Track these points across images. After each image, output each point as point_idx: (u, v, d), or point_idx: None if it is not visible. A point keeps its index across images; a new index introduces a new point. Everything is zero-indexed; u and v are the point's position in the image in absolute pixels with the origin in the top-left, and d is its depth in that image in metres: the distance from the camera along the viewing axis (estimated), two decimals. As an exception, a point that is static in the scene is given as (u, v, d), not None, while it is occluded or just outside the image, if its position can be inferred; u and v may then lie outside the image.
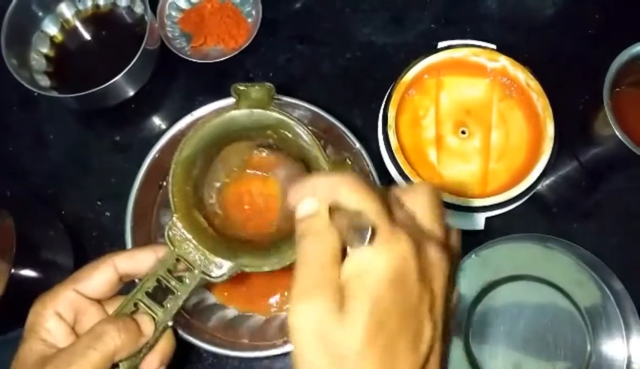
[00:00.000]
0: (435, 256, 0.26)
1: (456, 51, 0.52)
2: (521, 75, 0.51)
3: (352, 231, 0.25)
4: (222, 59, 0.54)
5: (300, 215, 0.27)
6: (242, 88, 0.39)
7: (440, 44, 0.53)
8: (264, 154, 0.43)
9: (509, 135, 0.52)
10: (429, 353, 0.25)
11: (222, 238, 0.39)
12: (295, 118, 0.39)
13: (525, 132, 0.52)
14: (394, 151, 0.49)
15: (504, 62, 0.51)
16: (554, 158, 0.49)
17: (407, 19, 0.59)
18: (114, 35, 0.57)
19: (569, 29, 0.59)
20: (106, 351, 0.32)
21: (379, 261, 0.25)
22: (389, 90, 0.52)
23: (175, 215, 0.37)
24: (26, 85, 0.50)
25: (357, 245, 0.25)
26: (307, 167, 0.41)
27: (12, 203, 0.39)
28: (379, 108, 0.53)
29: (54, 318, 0.34)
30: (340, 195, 0.26)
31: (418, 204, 0.28)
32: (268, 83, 0.39)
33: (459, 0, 0.60)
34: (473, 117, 0.53)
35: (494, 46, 0.52)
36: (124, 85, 0.52)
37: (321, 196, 0.27)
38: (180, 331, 0.43)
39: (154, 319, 0.35)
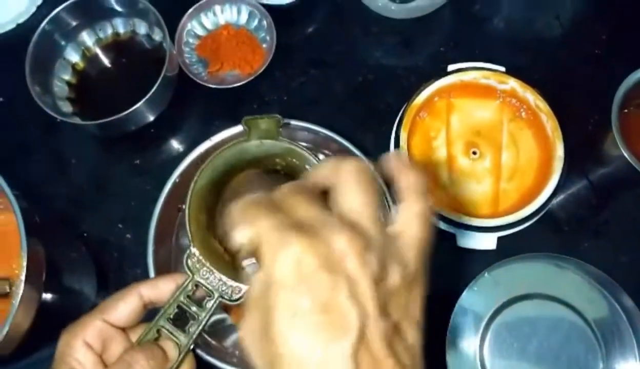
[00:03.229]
0: (340, 240, 0.25)
1: (466, 74, 0.53)
2: (530, 96, 0.52)
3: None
4: (237, 85, 0.56)
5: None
6: (251, 120, 0.41)
7: (450, 67, 0.54)
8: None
9: (519, 156, 0.53)
10: (360, 336, 0.24)
11: (238, 263, 0.40)
12: (302, 146, 0.41)
13: (535, 152, 0.53)
14: (406, 173, 0.50)
15: (513, 84, 0.53)
16: (563, 178, 0.50)
17: (416, 42, 0.61)
18: (134, 62, 0.59)
19: (576, 50, 0.60)
20: None
21: (272, 275, 0.25)
22: (401, 112, 0.54)
23: (192, 243, 0.38)
24: (48, 112, 0.52)
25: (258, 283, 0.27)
26: None
27: (41, 229, 0.41)
28: (391, 129, 0.54)
29: (83, 348, 0.35)
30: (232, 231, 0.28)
31: (343, 189, 0.28)
32: (276, 115, 0.41)
33: (466, 23, 0.61)
34: (483, 138, 0.54)
35: (503, 68, 0.54)
36: (144, 111, 0.54)
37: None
38: (199, 352, 0.44)
39: (177, 343, 0.37)
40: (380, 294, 0.25)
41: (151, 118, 0.56)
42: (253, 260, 0.28)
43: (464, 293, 0.49)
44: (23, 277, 0.37)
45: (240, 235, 0.27)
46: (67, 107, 0.57)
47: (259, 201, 0.28)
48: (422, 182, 0.29)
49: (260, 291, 0.26)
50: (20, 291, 0.37)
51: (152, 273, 0.48)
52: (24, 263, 0.37)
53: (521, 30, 0.61)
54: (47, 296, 0.41)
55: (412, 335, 0.27)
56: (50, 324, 0.38)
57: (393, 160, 0.30)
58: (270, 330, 0.25)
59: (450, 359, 0.47)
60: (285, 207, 0.27)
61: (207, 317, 0.37)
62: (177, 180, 0.48)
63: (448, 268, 0.52)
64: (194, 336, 0.37)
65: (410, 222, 0.28)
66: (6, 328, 0.35)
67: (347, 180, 0.28)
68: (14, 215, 0.40)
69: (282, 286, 0.25)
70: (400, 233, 0.28)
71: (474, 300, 0.49)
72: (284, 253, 0.25)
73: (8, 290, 0.47)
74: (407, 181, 0.29)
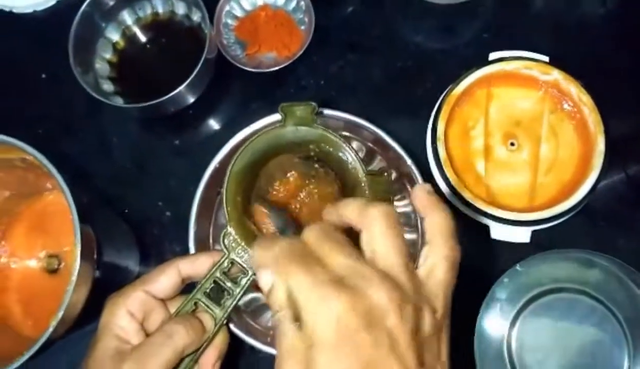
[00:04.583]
0: (379, 295, 0.25)
1: (508, 64, 0.52)
2: (573, 89, 0.51)
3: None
4: (275, 69, 0.56)
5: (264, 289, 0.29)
6: (288, 107, 0.42)
7: (492, 56, 0.53)
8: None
9: (559, 149, 0.53)
10: None
11: None
12: (335, 134, 0.42)
13: (576, 146, 0.52)
14: (442, 163, 0.51)
15: (556, 75, 0.52)
16: (604, 174, 0.49)
17: (457, 27, 0.60)
18: (173, 42, 0.60)
19: (623, 41, 0.58)
20: (177, 348, 0.36)
21: (313, 334, 0.25)
22: (439, 101, 0.53)
23: (229, 224, 0.40)
24: (90, 92, 0.53)
25: (295, 334, 0.26)
26: (345, 177, 0.43)
27: (87, 208, 0.43)
28: (428, 118, 0.54)
29: (126, 316, 0.37)
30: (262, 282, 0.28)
31: (371, 235, 0.28)
32: (312, 103, 0.42)
33: (510, 8, 0.60)
34: (523, 129, 0.53)
35: (546, 58, 0.53)
36: (185, 94, 0.55)
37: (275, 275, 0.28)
38: (234, 329, 0.47)
39: (212, 316, 0.39)
40: (417, 346, 0.26)
41: (191, 100, 0.57)
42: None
43: (495, 285, 0.49)
44: (79, 253, 0.39)
45: (272, 292, 0.27)
46: (108, 86, 0.58)
47: (291, 250, 0.28)
48: (450, 224, 0.29)
49: (301, 346, 0.26)
50: (76, 270, 0.39)
51: (192, 250, 0.50)
52: (79, 241, 0.39)
53: (567, 16, 0.59)
54: (101, 275, 0.43)
55: None
56: (98, 299, 0.40)
57: (420, 195, 0.30)
58: None
59: (477, 347, 0.48)
60: (319, 255, 0.28)
61: (241, 292, 0.40)
62: (217, 166, 0.49)
63: (480, 259, 0.52)
64: (229, 310, 0.39)
65: (437, 267, 0.28)
66: (63, 309, 0.38)
67: (376, 225, 0.28)
68: (63, 195, 0.41)
69: (324, 346, 0.25)
70: (427, 277, 0.28)
71: (505, 291, 0.49)
72: (326, 312, 0.25)
73: (57, 267, 0.50)
74: (434, 221, 0.29)
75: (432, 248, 0.29)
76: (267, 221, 0.45)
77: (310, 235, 0.29)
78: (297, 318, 0.26)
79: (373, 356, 0.25)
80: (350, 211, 0.30)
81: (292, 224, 0.42)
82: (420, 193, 0.30)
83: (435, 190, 0.50)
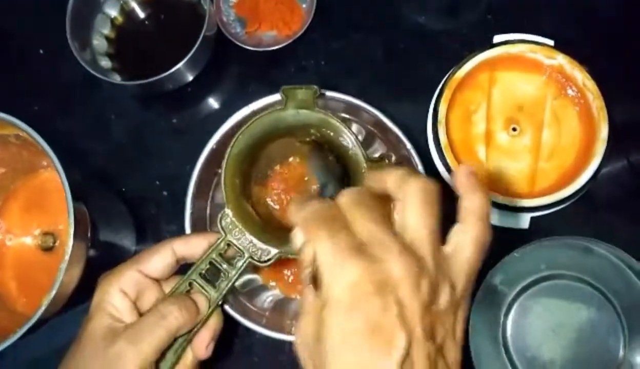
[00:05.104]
0: (395, 266, 0.26)
1: (512, 47, 0.51)
2: (578, 74, 0.50)
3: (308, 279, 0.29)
4: (275, 48, 0.55)
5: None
6: (289, 89, 0.41)
7: (496, 39, 0.52)
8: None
9: (561, 135, 0.52)
10: (405, 356, 0.26)
11: (268, 226, 0.42)
12: (336, 118, 0.41)
13: (578, 132, 0.52)
14: (442, 148, 0.50)
15: (561, 60, 0.51)
16: (606, 161, 0.49)
17: (462, 7, 0.58)
18: (171, 18, 0.59)
19: (630, 26, 0.57)
20: (171, 329, 0.36)
21: (328, 294, 0.27)
22: (441, 84, 0.52)
23: (227, 205, 0.40)
24: (87, 68, 0.52)
25: (312, 292, 0.29)
26: (346, 162, 0.42)
27: (82, 186, 0.42)
28: (429, 100, 0.53)
29: (119, 295, 0.37)
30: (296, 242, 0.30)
31: (405, 206, 0.29)
32: (313, 86, 0.42)
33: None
34: (525, 114, 0.53)
35: (551, 42, 0.51)
36: (184, 71, 0.54)
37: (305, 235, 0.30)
38: (229, 310, 0.46)
39: (207, 297, 0.39)
40: (428, 317, 0.26)
41: (190, 78, 0.56)
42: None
43: (492, 270, 0.49)
44: (72, 232, 0.39)
45: (302, 251, 0.29)
46: (106, 62, 0.57)
47: (321, 212, 0.29)
48: (486, 207, 0.29)
49: (316, 305, 0.28)
50: (70, 249, 0.39)
51: (188, 231, 0.49)
52: (72, 220, 0.39)
53: (574, -1, 0.58)
54: (95, 253, 0.43)
55: (454, 354, 0.28)
56: (92, 277, 0.40)
57: (463, 177, 0.30)
58: (322, 343, 0.27)
59: (472, 332, 0.48)
60: (348, 220, 0.29)
61: (237, 275, 0.40)
62: (214, 147, 0.48)
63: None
64: (224, 292, 0.40)
65: (464, 245, 0.29)
66: (55, 288, 0.38)
67: (413, 198, 0.28)
68: (57, 173, 0.41)
69: (337, 306, 0.26)
70: (453, 254, 0.29)
71: (501, 277, 0.49)
72: (341, 277, 0.27)
73: (52, 245, 0.49)
74: (471, 203, 0.29)
75: (463, 226, 0.29)
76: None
77: (345, 198, 0.30)
78: (316, 278, 0.28)
79: (380, 319, 0.26)
80: (391, 179, 0.30)
81: (332, 179, 0.42)
82: (462, 174, 0.30)
83: (434, 174, 0.51)
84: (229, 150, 0.41)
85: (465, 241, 0.29)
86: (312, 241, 0.28)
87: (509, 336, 0.49)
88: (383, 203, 0.30)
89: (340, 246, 0.27)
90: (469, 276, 0.29)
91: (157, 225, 0.56)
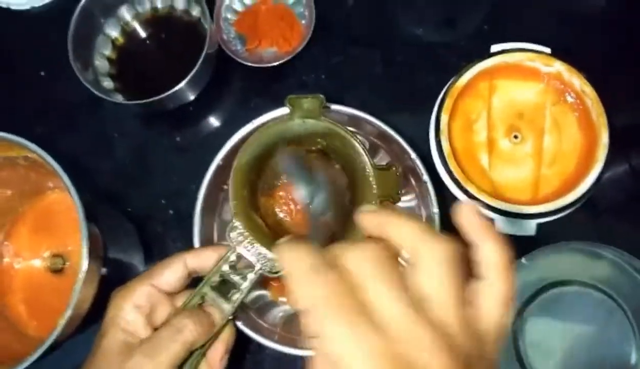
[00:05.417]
0: (433, 364, 0.23)
1: (510, 56, 0.52)
2: (576, 81, 0.51)
3: None
4: (275, 64, 0.56)
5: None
6: (295, 99, 0.41)
7: (494, 48, 0.53)
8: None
9: (562, 141, 0.52)
10: None
11: (278, 237, 0.42)
12: (343, 127, 0.41)
13: (579, 138, 0.52)
14: (446, 157, 0.50)
15: (559, 67, 0.51)
16: (607, 166, 0.49)
17: (459, 18, 0.59)
18: (172, 38, 0.59)
19: (627, 32, 0.57)
20: (187, 342, 0.36)
21: None
22: (442, 94, 0.53)
23: (235, 217, 0.40)
24: (90, 88, 0.53)
25: None
26: (353, 172, 0.43)
27: (93, 208, 0.42)
28: (430, 111, 0.53)
29: (133, 310, 0.37)
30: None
31: (429, 278, 0.24)
32: (320, 95, 0.42)
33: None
34: (526, 121, 0.53)
35: (548, 50, 0.52)
36: (185, 90, 0.54)
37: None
38: (241, 326, 0.46)
39: (220, 310, 0.39)
40: None
41: (192, 97, 0.56)
42: None
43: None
44: (86, 253, 0.39)
45: (309, 328, 0.24)
46: (108, 82, 0.57)
47: (332, 293, 0.24)
48: (506, 255, 0.26)
49: None
50: (84, 269, 0.39)
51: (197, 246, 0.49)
52: (86, 241, 0.39)
53: (569, 7, 0.59)
54: (108, 273, 0.43)
55: None
56: (105, 296, 0.40)
57: (470, 217, 0.26)
58: None
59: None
60: (364, 298, 0.24)
61: (249, 286, 0.39)
62: (220, 163, 0.48)
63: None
64: (236, 304, 0.39)
65: (492, 307, 0.25)
66: (71, 308, 0.38)
67: (437, 269, 0.24)
68: (68, 193, 0.41)
69: None
70: (481, 319, 0.25)
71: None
72: None
73: (61, 266, 0.49)
74: (490, 254, 0.26)
75: (487, 284, 0.26)
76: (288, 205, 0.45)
77: (356, 264, 0.25)
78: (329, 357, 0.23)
79: None
80: (405, 235, 0.26)
81: (323, 188, 0.38)
82: (470, 215, 0.26)
83: (439, 183, 0.51)
84: (236, 161, 0.41)
85: (492, 303, 0.25)
86: (329, 339, 0.23)
87: (519, 344, 0.49)
88: (396, 261, 0.25)
89: (368, 353, 0.22)
90: (497, 342, 0.26)
91: (163, 243, 0.56)
